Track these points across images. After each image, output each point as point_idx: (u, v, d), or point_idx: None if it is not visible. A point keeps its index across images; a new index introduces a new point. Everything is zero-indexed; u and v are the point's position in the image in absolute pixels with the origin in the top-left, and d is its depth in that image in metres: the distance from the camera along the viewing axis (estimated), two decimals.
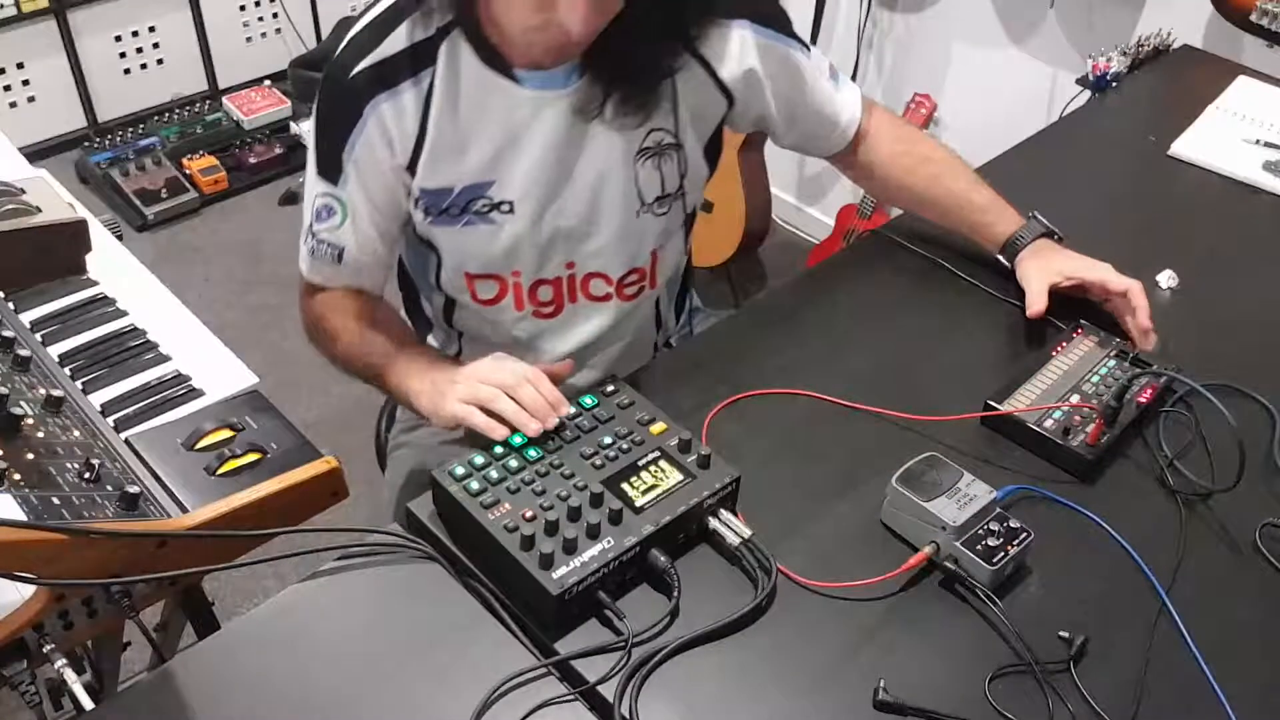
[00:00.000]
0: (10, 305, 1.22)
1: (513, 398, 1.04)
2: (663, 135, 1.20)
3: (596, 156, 1.19)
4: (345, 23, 3.42)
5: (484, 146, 1.16)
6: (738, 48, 1.19)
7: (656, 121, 1.19)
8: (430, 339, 1.45)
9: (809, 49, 1.26)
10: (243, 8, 3.48)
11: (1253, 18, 1.94)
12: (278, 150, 3.37)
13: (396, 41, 1.12)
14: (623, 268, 1.29)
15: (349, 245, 1.21)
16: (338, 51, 1.15)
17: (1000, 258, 1.32)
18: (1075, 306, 1.26)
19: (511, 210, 1.20)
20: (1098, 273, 1.24)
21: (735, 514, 0.98)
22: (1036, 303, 1.23)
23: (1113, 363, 1.18)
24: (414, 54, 1.12)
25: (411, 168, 1.18)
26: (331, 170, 1.17)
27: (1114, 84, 2.01)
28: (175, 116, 3.36)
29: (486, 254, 1.24)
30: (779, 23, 1.22)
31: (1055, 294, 1.25)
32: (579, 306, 1.31)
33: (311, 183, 1.20)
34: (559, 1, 1.00)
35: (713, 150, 1.28)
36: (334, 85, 1.14)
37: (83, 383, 1.13)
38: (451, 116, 1.15)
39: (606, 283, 1.29)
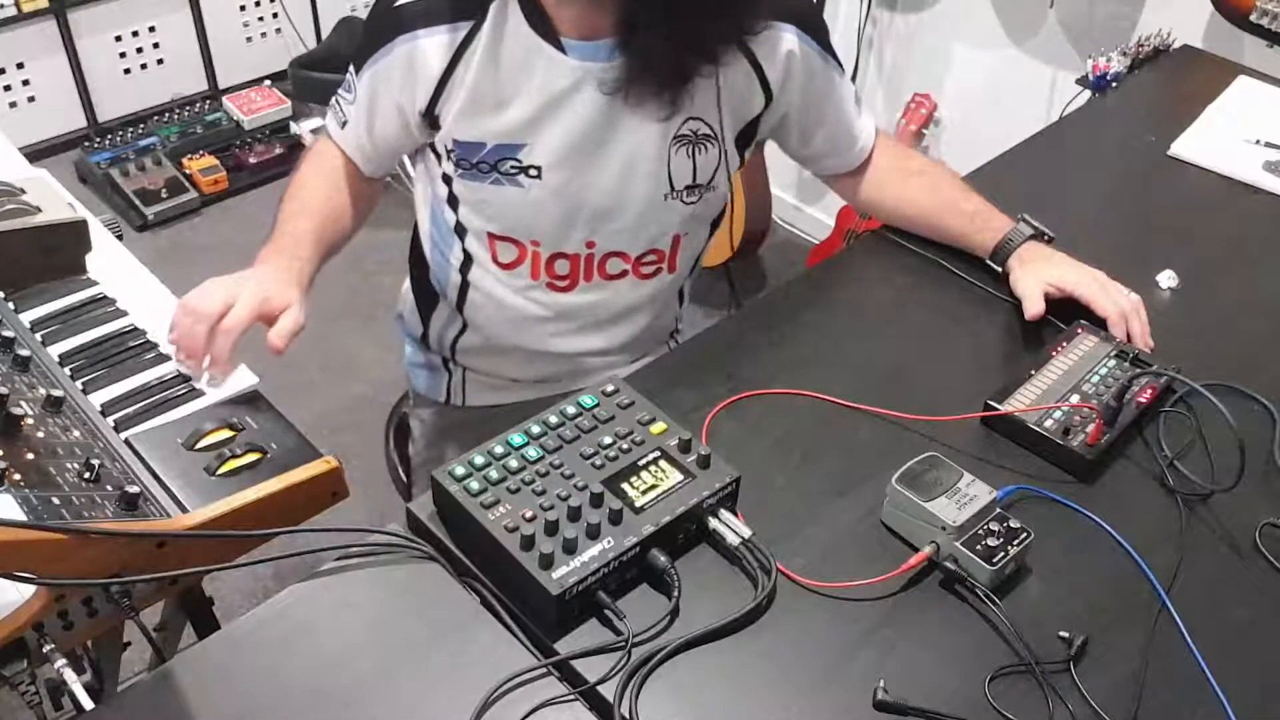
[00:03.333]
0: (10, 305, 1.22)
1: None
2: (700, 125, 1.22)
3: (631, 137, 1.20)
4: (346, 22, 3.42)
5: (521, 107, 1.19)
6: (783, 48, 1.21)
7: (696, 110, 1.21)
8: (433, 320, 1.47)
9: (844, 71, 1.30)
10: (243, 8, 3.47)
11: (1253, 18, 1.94)
12: (278, 150, 3.37)
13: None
14: (642, 248, 1.31)
15: (350, 119, 1.30)
16: None
17: (991, 263, 1.32)
18: (1075, 306, 1.26)
19: (539, 176, 1.22)
20: (1083, 290, 1.25)
21: (735, 514, 0.98)
22: (1034, 306, 1.24)
23: (1113, 363, 1.18)
24: (456, 2, 1.15)
25: (429, 114, 1.22)
26: (359, 63, 1.26)
27: (1114, 84, 2.00)
28: (175, 116, 3.36)
29: (510, 216, 1.27)
30: (822, 38, 1.25)
31: (1057, 294, 1.25)
32: (593, 284, 1.32)
33: (352, 65, 1.29)
34: None
35: (744, 141, 1.30)
36: (380, 7, 1.20)
37: (83, 383, 1.13)
38: (493, 72, 1.17)
39: (624, 260, 1.31)
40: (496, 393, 1.48)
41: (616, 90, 1.16)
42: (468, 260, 1.34)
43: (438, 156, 1.27)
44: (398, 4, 1.18)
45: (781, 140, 1.34)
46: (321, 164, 1.34)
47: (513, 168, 1.22)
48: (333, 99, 1.33)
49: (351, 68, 1.27)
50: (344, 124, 1.32)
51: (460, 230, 1.32)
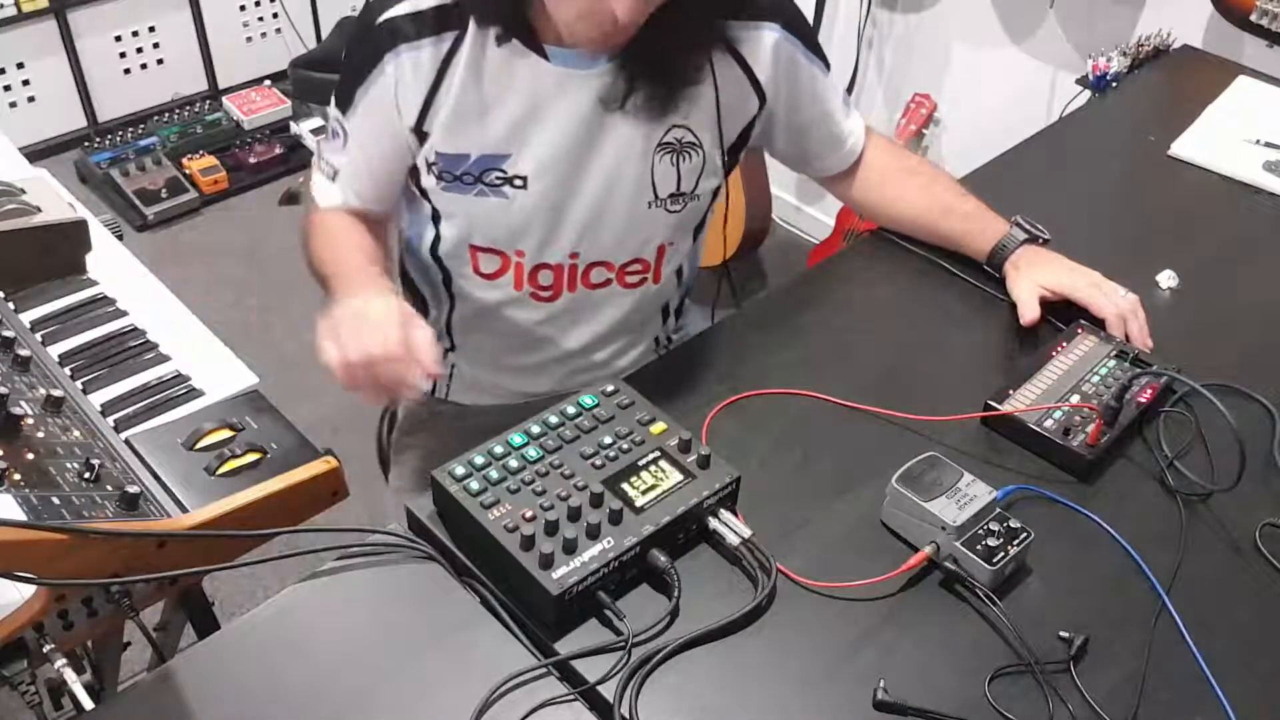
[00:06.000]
0: (10, 305, 1.22)
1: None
2: (685, 133, 1.22)
3: (615, 144, 1.20)
4: (345, 23, 3.42)
5: (505, 116, 1.18)
6: (767, 43, 1.21)
7: (683, 118, 1.20)
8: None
9: (829, 70, 1.29)
10: (243, 8, 3.48)
11: (1253, 18, 1.94)
12: (278, 150, 3.37)
13: None
14: (626, 257, 1.29)
15: (343, 167, 1.25)
16: None
17: (988, 268, 1.32)
18: (1075, 306, 1.26)
19: (525, 186, 1.21)
20: (1079, 294, 1.25)
21: (735, 514, 0.98)
22: (1028, 313, 1.24)
23: (1113, 363, 1.18)
24: (439, 14, 1.14)
25: (419, 129, 1.20)
26: (344, 101, 1.21)
27: (1114, 84, 2.01)
28: (175, 116, 3.36)
29: (494, 227, 1.25)
30: (806, 37, 1.25)
31: (1053, 297, 1.26)
32: (577, 295, 1.31)
33: (331, 109, 1.25)
34: None
35: (734, 151, 1.28)
36: (363, 27, 1.18)
37: (83, 383, 1.13)
38: (475, 83, 1.17)
39: (608, 269, 1.30)
40: (480, 394, 1.48)
41: (614, 105, 1.16)
42: (447, 276, 1.32)
43: (416, 172, 1.25)
44: (379, 22, 1.16)
45: (770, 142, 1.33)
46: (328, 223, 1.27)
47: (498, 179, 1.21)
48: (313, 162, 1.29)
49: (336, 109, 1.23)
50: (334, 176, 1.26)
51: (435, 249, 1.30)
